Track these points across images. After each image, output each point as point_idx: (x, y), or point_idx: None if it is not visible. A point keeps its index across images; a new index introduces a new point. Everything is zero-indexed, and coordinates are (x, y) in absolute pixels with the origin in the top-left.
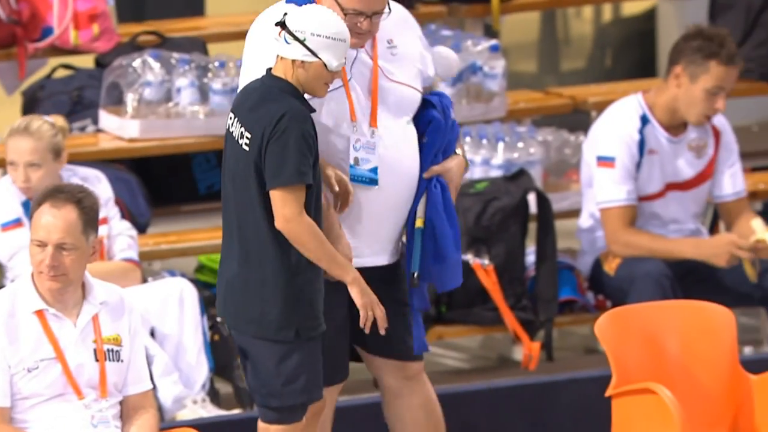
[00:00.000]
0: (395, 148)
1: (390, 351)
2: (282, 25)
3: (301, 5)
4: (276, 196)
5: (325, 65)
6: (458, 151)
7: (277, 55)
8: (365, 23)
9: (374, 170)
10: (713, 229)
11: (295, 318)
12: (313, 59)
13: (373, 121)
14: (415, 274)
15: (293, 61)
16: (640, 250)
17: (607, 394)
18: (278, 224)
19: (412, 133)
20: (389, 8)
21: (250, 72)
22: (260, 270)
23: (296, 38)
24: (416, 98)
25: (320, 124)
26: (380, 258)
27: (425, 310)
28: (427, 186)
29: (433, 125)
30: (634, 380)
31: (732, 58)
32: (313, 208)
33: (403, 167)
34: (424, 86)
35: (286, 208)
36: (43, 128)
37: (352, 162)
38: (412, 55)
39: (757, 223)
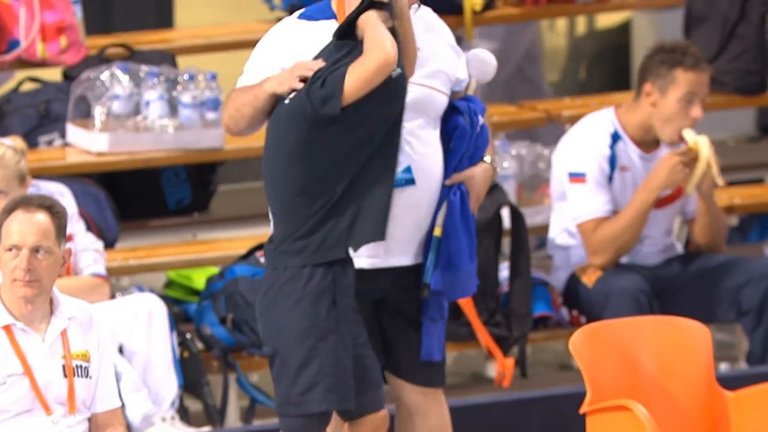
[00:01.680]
0: (417, 150)
1: (405, 374)
2: None
3: (313, 10)
4: (353, 77)
5: None
6: (487, 158)
7: None
8: None
9: (408, 170)
10: (689, 244)
11: (313, 239)
12: None
13: None
14: (427, 285)
15: None
16: (615, 239)
17: (582, 411)
18: (380, 62)
19: (433, 135)
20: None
21: (245, 80)
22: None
23: None
24: (439, 101)
25: None
26: (398, 259)
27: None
28: (447, 193)
29: (458, 132)
30: (609, 397)
31: (697, 62)
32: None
33: (424, 168)
34: (454, 90)
35: (375, 58)
36: (6, 156)
37: None
38: (436, 58)
39: (687, 132)
